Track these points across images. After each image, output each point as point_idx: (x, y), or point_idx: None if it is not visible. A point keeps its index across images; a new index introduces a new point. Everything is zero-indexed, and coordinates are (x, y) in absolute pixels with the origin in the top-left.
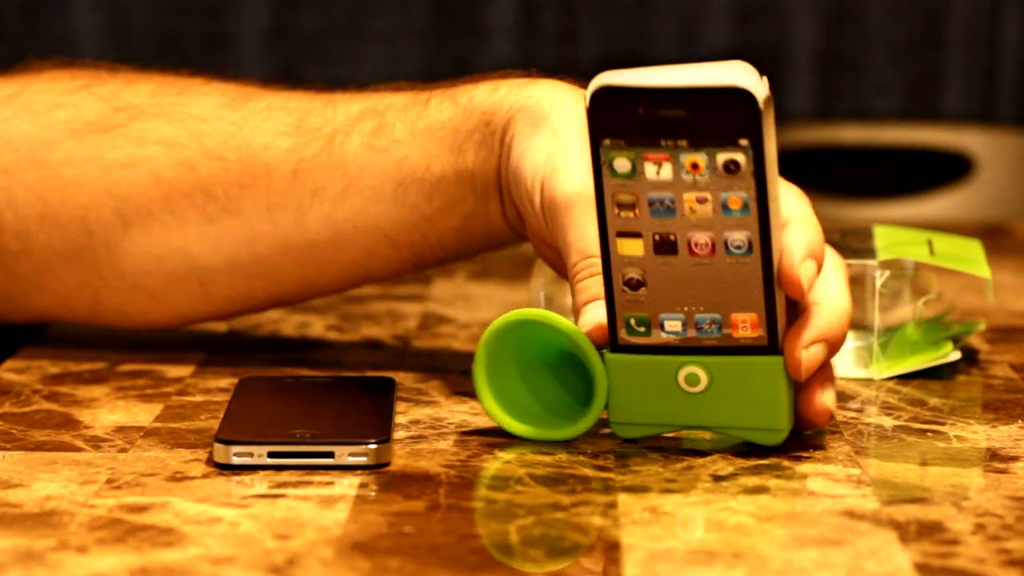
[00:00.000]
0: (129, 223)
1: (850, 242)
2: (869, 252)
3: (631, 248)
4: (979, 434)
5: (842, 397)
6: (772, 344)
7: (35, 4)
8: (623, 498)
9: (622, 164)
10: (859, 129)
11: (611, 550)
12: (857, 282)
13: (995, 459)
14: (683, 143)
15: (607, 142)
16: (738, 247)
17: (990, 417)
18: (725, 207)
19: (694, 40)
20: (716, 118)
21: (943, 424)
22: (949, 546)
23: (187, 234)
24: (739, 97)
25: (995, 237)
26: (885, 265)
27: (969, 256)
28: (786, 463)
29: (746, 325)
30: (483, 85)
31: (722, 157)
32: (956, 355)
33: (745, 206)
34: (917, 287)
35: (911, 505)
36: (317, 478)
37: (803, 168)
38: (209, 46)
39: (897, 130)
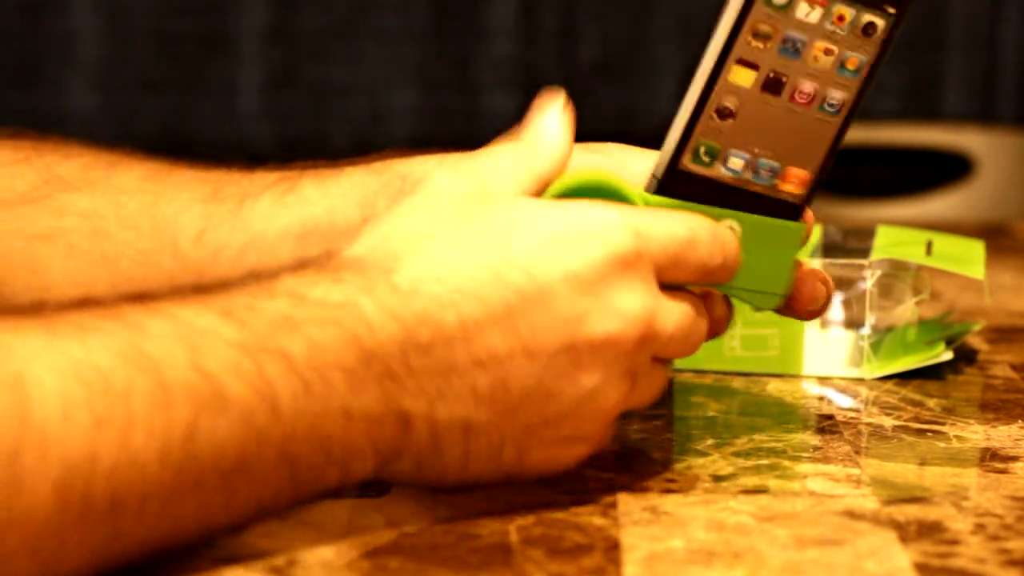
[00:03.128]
0: (38, 297)
1: (850, 242)
2: (865, 252)
3: (742, 78)
4: (979, 434)
5: (842, 397)
6: (802, 206)
7: (35, 4)
8: (623, 498)
9: None
10: (859, 129)
11: (611, 550)
12: (850, 282)
13: (995, 459)
14: None
15: None
16: (831, 104)
17: (990, 417)
18: (842, 64)
19: (694, 40)
20: None
21: (943, 424)
22: (949, 546)
23: None
24: None
25: (995, 237)
26: (878, 265)
27: (967, 257)
28: (786, 463)
29: (795, 180)
30: (402, 158)
31: (866, 17)
32: (948, 355)
33: (858, 69)
34: (913, 287)
35: (911, 505)
36: None
37: None
38: (209, 46)
39: (897, 130)
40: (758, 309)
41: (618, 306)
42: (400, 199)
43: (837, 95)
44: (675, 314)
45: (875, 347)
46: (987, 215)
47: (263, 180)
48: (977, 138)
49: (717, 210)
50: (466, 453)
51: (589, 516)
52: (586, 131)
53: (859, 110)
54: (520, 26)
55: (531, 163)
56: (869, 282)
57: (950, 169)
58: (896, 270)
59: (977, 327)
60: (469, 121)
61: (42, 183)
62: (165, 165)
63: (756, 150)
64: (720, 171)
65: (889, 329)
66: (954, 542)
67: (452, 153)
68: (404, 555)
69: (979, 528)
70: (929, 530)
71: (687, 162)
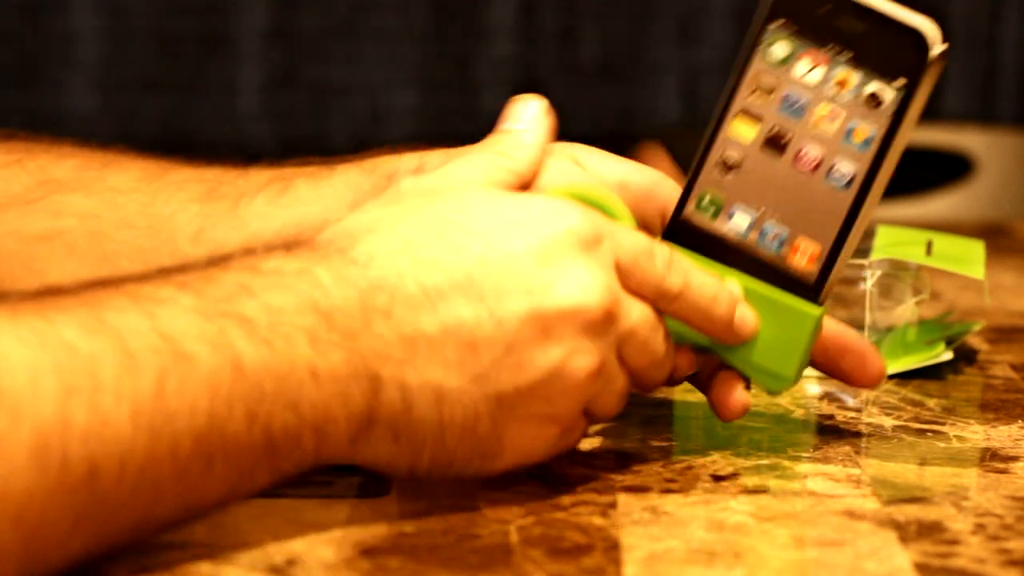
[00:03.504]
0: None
1: None
2: (866, 252)
3: (744, 131)
4: (979, 434)
5: (842, 397)
6: (817, 287)
7: (35, 4)
8: (623, 498)
9: (780, 49)
10: None
11: (611, 550)
12: (850, 282)
13: (995, 459)
14: (845, 55)
15: (779, 23)
16: (840, 177)
17: (990, 417)
18: (848, 134)
19: (694, 40)
20: (887, 48)
21: (943, 424)
22: (949, 546)
23: None
24: (917, 40)
25: (995, 237)
26: (878, 265)
27: (967, 257)
28: (786, 463)
29: (806, 254)
30: (391, 157)
31: (872, 86)
32: (948, 355)
33: (867, 142)
34: (913, 287)
35: (911, 505)
36: (317, 478)
37: None
38: (209, 46)
39: None
40: (771, 392)
41: (582, 277)
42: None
43: (846, 167)
44: (636, 309)
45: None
46: (987, 215)
47: (258, 179)
48: (977, 138)
49: (719, 266)
50: (440, 423)
51: (589, 516)
52: (586, 131)
53: (882, 189)
54: (520, 26)
55: (503, 162)
56: (869, 282)
57: (950, 169)
58: (896, 270)
59: (977, 327)
60: (469, 121)
61: (36, 185)
62: (160, 165)
63: (762, 210)
64: (724, 227)
65: (889, 329)
66: (954, 542)
67: (440, 149)
68: (404, 555)
69: (979, 528)
70: (929, 530)
71: (691, 211)
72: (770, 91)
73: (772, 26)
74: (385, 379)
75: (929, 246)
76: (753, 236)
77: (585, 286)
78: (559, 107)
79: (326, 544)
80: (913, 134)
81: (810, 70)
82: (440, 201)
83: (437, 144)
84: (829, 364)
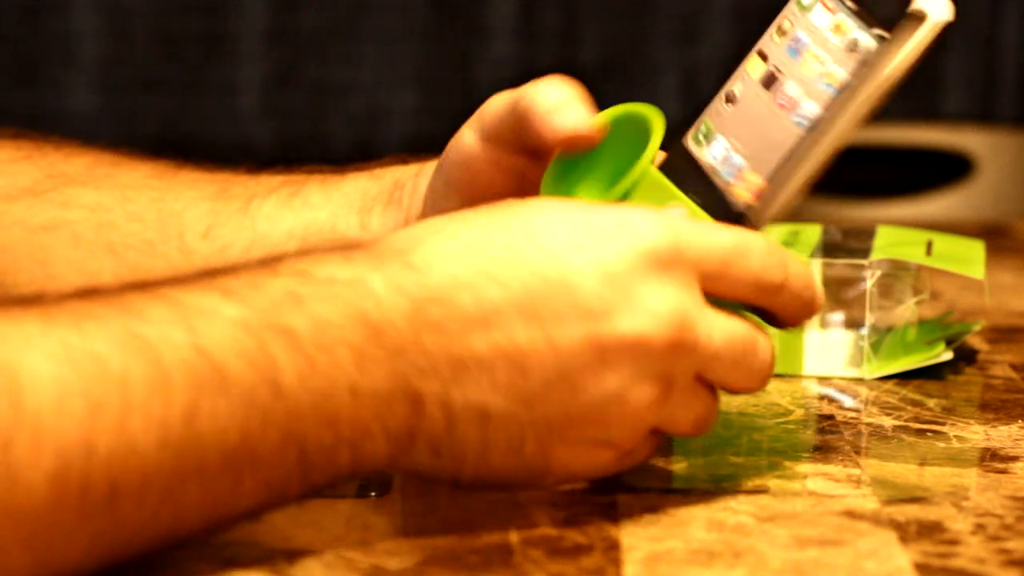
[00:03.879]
0: (44, 288)
1: (850, 242)
2: (866, 252)
3: (753, 67)
4: (979, 434)
5: (842, 397)
6: (743, 216)
7: (35, 4)
8: (623, 498)
9: None
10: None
11: (611, 550)
12: (850, 282)
13: (995, 459)
14: (849, 4)
15: None
16: (802, 117)
17: (990, 417)
18: (824, 77)
19: (694, 40)
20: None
21: (943, 424)
22: (949, 546)
23: None
24: None
25: (995, 237)
26: (878, 265)
27: (967, 257)
28: (786, 463)
29: (748, 186)
30: (400, 165)
31: (856, 33)
32: (948, 355)
33: (834, 84)
34: (913, 287)
35: (911, 505)
36: None
37: None
38: (209, 46)
39: (897, 130)
40: None
41: (648, 303)
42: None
43: (809, 108)
44: (721, 327)
45: (875, 347)
46: (987, 215)
47: (269, 182)
48: (977, 138)
49: (673, 190)
50: (484, 442)
51: (589, 516)
52: None
53: (838, 137)
54: (520, 26)
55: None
56: (869, 282)
57: (950, 169)
58: (896, 270)
59: (977, 327)
60: None
61: (46, 178)
62: (171, 165)
63: (733, 142)
64: (702, 153)
65: (889, 329)
66: (954, 542)
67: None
68: (404, 555)
69: (979, 528)
70: (929, 530)
71: (689, 137)
72: (785, 33)
73: None
74: (428, 398)
75: (929, 246)
76: (717, 165)
77: (652, 313)
78: None
79: (326, 544)
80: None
81: (821, 15)
82: (511, 205)
83: (438, 143)
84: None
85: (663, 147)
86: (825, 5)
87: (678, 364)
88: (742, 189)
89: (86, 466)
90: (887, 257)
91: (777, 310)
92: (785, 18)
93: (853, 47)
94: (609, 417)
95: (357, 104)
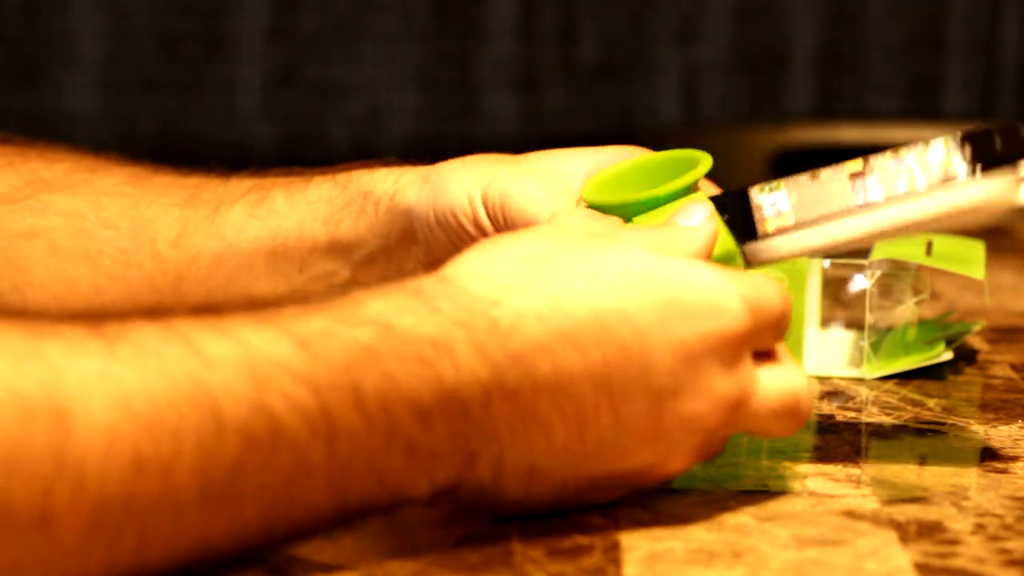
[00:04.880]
0: (24, 295)
1: None
2: (866, 252)
3: (850, 164)
4: (979, 434)
5: (842, 397)
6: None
7: (35, 4)
8: (623, 498)
9: (937, 151)
10: (859, 129)
11: (611, 550)
12: (850, 282)
13: (995, 459)
14: (969, 153)
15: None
16: (863, 196)
17: (990, 417)
18: (903, 180)
19: (694, 40)
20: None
21: (943, 424)
22: (949, 546)
23: (76, 302)
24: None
25: (995, 237)
26: (878, 265)
27: (967, 257)
28: (786, 463)
29: (777, 221)
30: (364, 171)
31: (956, 166)
32: (948, 355)
33: (906, 188)
34: (913, 287)
35: (911, 505)
36: None
37: (804, 168)
38: (209, 46)
39: (897, 130)
40: None
41: (715, 389)
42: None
43: (875, 192)
44: (774, 393)
45: (875, 347)
46: None
47: (238, 188)
48: None
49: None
50: (527, 494)
51: (589, 516)
52: (586, 131)
53: (872, 233)
54: (520, 26)
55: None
56: (869, 282)
57: None
58: (896, 270)
59: (977, 327)
60: (469, 121)
61: (24, 184)
62: (146, 170)
63: (793, 198)
64: (757, 196)
65: (889, 329)
66: (954, 542)
67: (416, 166)
68: (404, 555)
69: (979, 528)
70: (929, 530)
71: (754, 188)
72: (898, 155)
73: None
74: (483, 457)
75: (929, 246)
76: (764, 204)
77: (715, 400)
78: (559, 107)
79: (326, 544)
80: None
81: (938, 151)
82: (596, 254)
83: (438, 143)
84: None
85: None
86: (947, 147)
87: (728, 427)
88: (771, 221)
89: (121, 519)
90: (887, 257)
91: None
92: (905, 147)
93: (947, 176)
94: (645, 480)
95: (357, 104)
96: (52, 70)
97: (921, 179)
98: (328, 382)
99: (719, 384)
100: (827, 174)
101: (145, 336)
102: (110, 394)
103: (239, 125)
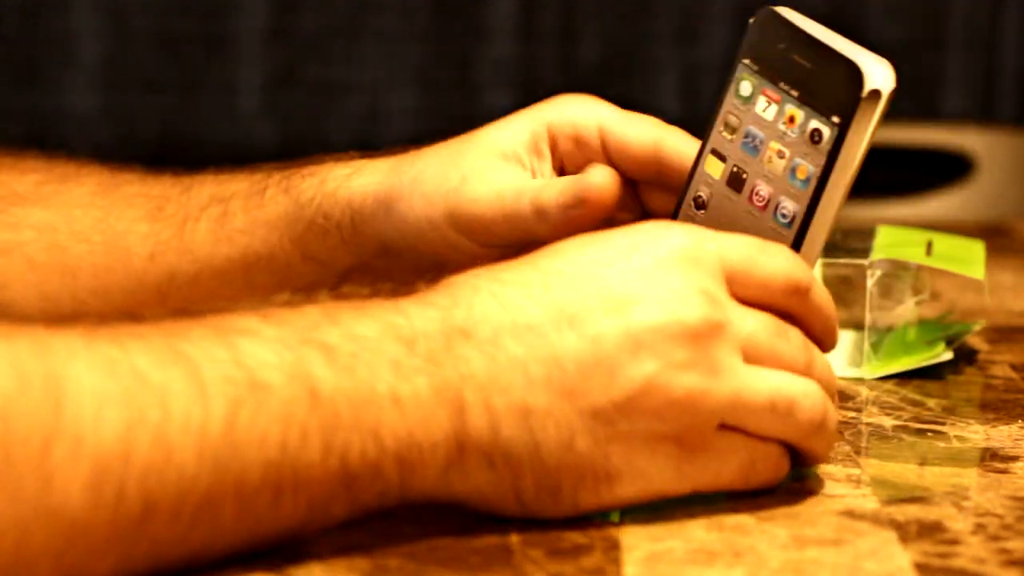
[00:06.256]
0: (5, 309)
1: (850, 242)
2: (866, 252)
3: (713, 168)
4: (979, 434)
5: (842, 397)
6: None
7: (35, 4)
8: None
9: (745, 88)
10: None
11: (611, 550)
12: (850, 281)
13: (995, 459)
14: (794, 93)
15: (746, 62)
16: (784, 215)
17: (990, 417)
18: (793, 172)
19: (694, 40)
20: (829, 85)
21: (943, 424)
22: (949, 546)
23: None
24: (853, 75)
25: (995, 237)
26: (878, 265)
27: (967, 257)
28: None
29: None
30: (310, 179)
31: (813, 123)
32: (948, 355)
33: (807, 180)
34: (913, 287)
35: (911, 505)
36: None
37: None
38: (209, 46)
39: (897, 130)
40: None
41: (677, 290)
42: None
43: (789, 206)
44: (751, 318)
45: (875, 347)
46: (987, 215)
47: (199, 199)
48: (977, 138)
49: None
50: (534, 442)
51: (589, 516)
52: None
53: (824, 228)
54: (520, 26)
55: None
56: (869, 282)
57: (950, 169)
58: (896, 270)
59: (977, 327)
60: (469, 121)
61: None
62: (114, 178)
63: None
64: None
65: (889, 329)
66: (954, 542)
67: (367, 159)
68: (404, 555)
69: (979, 528)
70: (929, 530)
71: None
72: (735, 129)
73: (741, 64)
74: (470, 402)
75: (929, 246)
76: None
77: (680, 298)
78: None
79: (326, 544)
80: (913, 133)
81: (766, 108)
82: (541, 251)
83: (437, 143)
84: None
85: None
86: (767, 96)
87: (713, 345)
88: None
89: (122, 476)
90: (887, 257)
91: (802, 317)
92: (729, 113)
93: (816, 138)
94: (657, 404)
95: (357, 104)
96: (52, 70)
97: (800, 160)
98: (298, 340)
99: (681, 286)
100: (710, 195)
101: (123, 325)
102: (95, 362)
103: (239, 125)
